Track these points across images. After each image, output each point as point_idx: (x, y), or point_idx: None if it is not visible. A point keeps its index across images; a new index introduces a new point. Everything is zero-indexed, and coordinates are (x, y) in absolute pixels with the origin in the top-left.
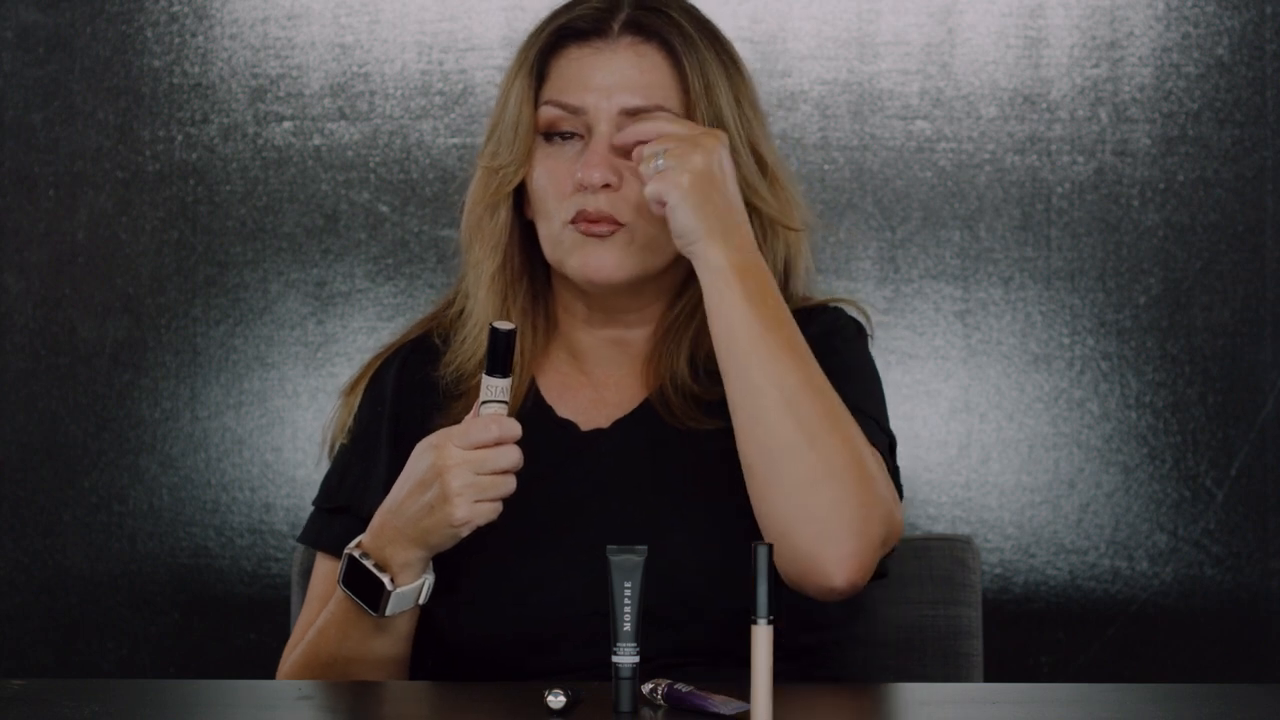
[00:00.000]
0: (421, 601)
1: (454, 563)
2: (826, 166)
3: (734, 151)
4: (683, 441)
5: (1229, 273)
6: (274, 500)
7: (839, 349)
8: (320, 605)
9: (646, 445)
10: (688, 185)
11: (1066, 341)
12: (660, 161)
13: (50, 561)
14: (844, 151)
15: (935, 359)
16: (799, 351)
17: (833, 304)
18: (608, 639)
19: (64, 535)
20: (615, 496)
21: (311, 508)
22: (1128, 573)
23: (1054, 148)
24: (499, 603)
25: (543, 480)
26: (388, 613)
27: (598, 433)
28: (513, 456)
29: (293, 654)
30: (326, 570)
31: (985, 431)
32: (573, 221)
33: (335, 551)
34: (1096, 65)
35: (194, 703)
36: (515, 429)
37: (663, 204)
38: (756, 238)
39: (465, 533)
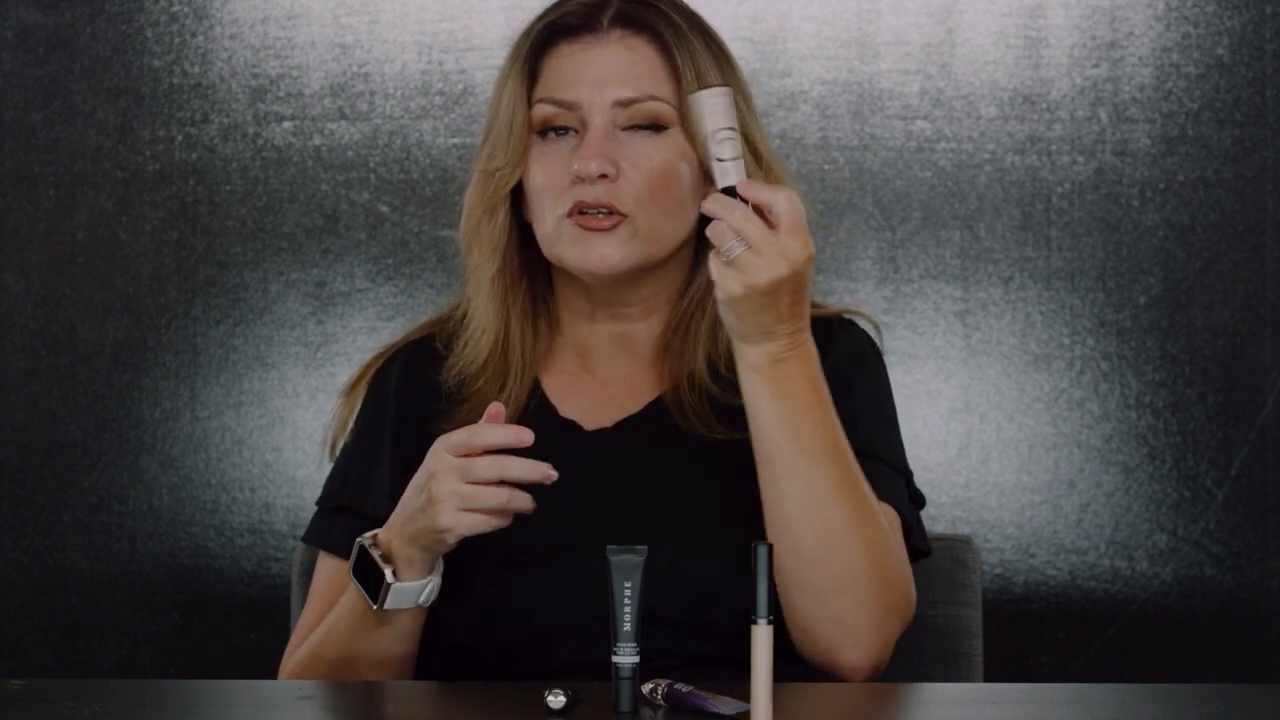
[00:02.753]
0: (423, 602)
1: (457, 564)
2: (826, 166)
3: None
4: (691, 442)
5: (1229, 273)
6: (274, 500)
7: (857, 383)
8: (322, 605)
9: (653, 445)
10: (739, 295)
11: (1066, 341)
12: (737, 254)
13: (50, 561)
14: (844, 151)
15: (935, 359)
16: (828, 451)
17: (846, 315)
18: (607, 643)
19: (64, 535)
20: (619, 497)
21: (314, 508)
22: (1128, 573)
23: (1054, 148)
24: (501, 605)
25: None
26: (386, 606)
27: (602, 432)
28: (495, 469)
29: (297, 652)
30: (329, 570)
31: (985, 431)
32: (571, 215)
33: (337, 551)
34: (1096, 65)
35: (194, 703)
36: (500, 437)
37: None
38: None
39: (451, 540)
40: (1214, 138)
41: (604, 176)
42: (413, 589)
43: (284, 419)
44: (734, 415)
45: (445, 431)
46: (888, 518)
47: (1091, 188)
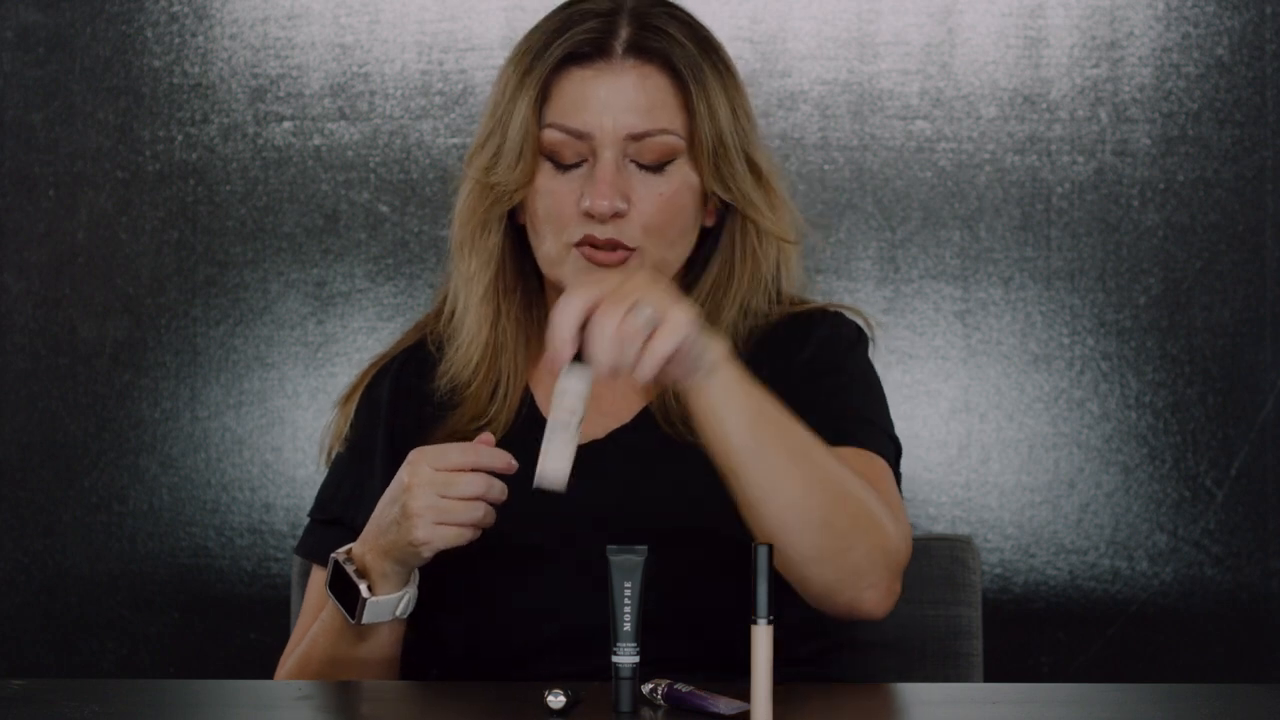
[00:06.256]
0: (399, 614)
1: (448, 574)
2: (826, 166)
3: (729, 164)
4: (680, 450)
5: (1229, 273)
6: (274, 500)
7: (839, 363)
8: (314, 615)
9: (644, 456)
10: (681, 341)
11: (1066, 341)
12: (645, 316)
13: (50, 561)
14: (844, 151)
15: (935, 359)
16: (779, 430)
17: (831, 309)
18: (602, 652)
19: (64, 535)
20: (612, 509)
21: (308, 519)
22: (1128, 573)
23: (1054, 148)
24: (498, 618)
25: (537, 494)
26: (364, 621)
27: (594, 444)
28: (478, 485)
29: (287, 662)
30: (319, 582)
31: (985, 431)
32: (579, 245)
33: (326, 562)
34: (1096, 65)
35: (194, 703)
36: (490, 459)
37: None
38: (751, 244)
39: (427, 554)
40: (1214, 138)
41: (616, 214)
42: (389, 602)
43: (284, 419)
44: None
45: (438, 439)
46: (872, 465)
47: (1091, 188)
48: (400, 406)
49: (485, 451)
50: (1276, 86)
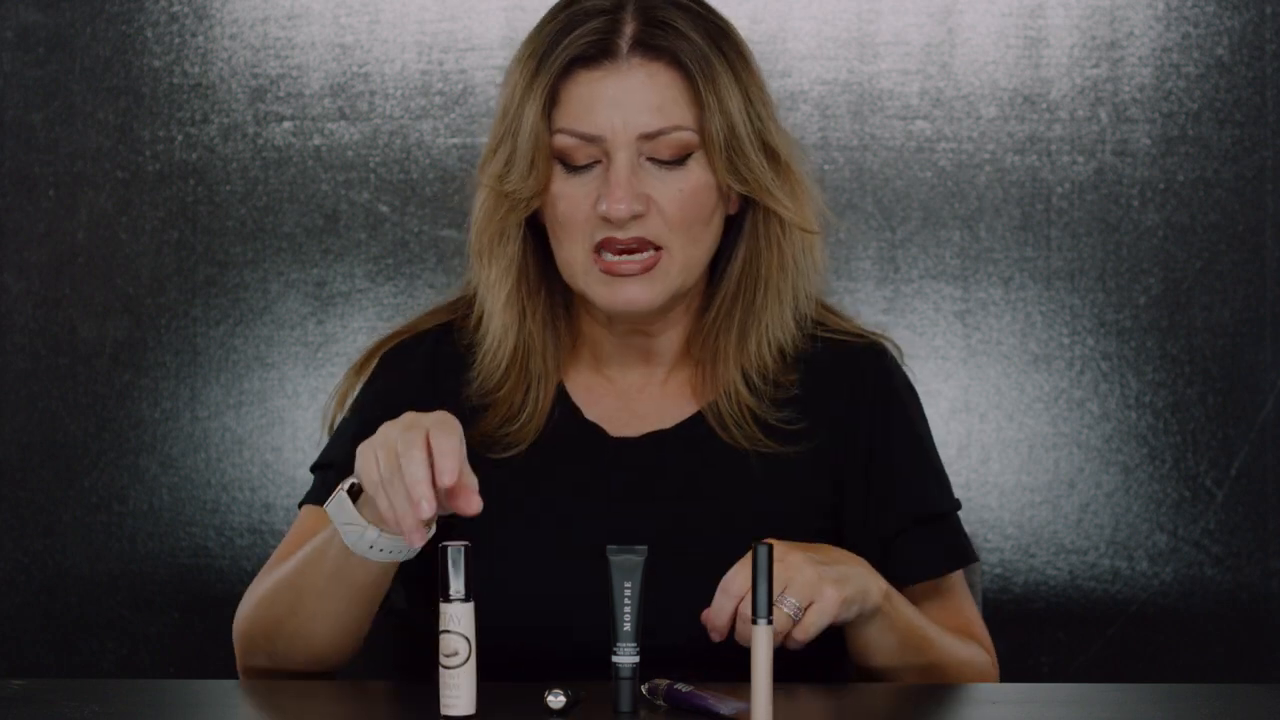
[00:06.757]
0: (371, 546)
1: (485, 563)
2: (826, 166)
3: (744, 156)
4: (721, 461)
5: (1229, 273)
6: (274, 500)
7: (898, 442)
8: (297, 543)
9: (682, 460)
10: (835, 610)
11: (1066, 341)
12: (792, 605)
13: (50, 561)
14: (844, 151)
15: (935, 359)
16: (918, 651)
17: (875, 340)
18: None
19: (64, 535)
20: (647, 511)
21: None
22: (1128, 573)
23: (1054, 148)
24: (530, 607)
25: (569, 481)
26: (327, 508)
27: (628, 442)
28: (420, 480)
29: (263, 584)
30: (310, 515)
31: (985, 431)
32: (600, 248)
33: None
34: (1096, 65)
35: (194, 703)
36: (455, 482)
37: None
38: (775, 233)
39: (358, 464)
40: (1214, 138)
41: (635, 217)
42: (351, 511)
43: (284, 419)
44: (772, 428)
45: (471, 442)
46: (963, 606)
47: (1091, 188)
48: (427, 403)
49: (471, 495)
50: (1276, 86)
